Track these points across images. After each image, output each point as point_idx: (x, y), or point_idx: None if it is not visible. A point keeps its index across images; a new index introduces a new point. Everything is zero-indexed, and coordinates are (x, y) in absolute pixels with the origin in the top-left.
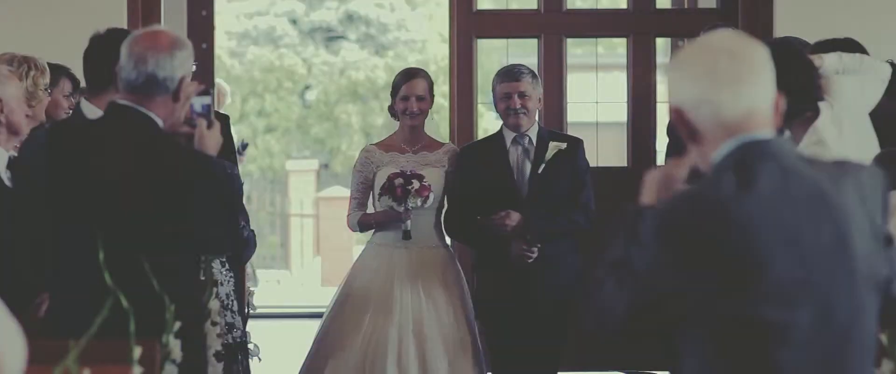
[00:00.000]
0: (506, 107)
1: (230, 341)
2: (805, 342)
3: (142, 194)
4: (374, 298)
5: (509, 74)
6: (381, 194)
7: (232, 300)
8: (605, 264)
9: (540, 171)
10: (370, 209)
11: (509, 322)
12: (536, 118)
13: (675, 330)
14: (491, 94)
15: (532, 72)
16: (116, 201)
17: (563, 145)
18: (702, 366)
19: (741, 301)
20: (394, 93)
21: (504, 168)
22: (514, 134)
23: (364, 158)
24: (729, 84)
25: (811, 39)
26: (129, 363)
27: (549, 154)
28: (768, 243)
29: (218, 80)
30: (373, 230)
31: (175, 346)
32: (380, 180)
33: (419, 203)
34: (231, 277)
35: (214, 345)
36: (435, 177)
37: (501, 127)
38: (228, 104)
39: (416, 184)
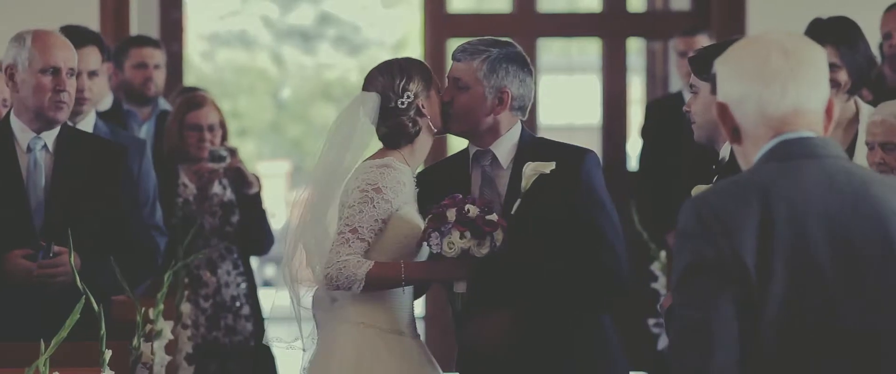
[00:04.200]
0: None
1: (227, 343)
2: (847, 340)
3: None
4: None
5: (455, 51)
6: (444, 233)
7: (242, 304)
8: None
9: (514, 210)
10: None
11: None
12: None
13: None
14: None
15: (486, 50)
16: None
17: (549, 168)
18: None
19: (785, 286)
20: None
21: None
22: (475, 148)
23: (398, 180)
24: (777, 80)
25: None
26: (100, 366)
27: (526, 184)
28: (813, 230)
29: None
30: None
31: (146, 349)
32: (408, 219)
33: (499, 242)
34: (243, 280)
35: (185, 348)
36: None
37: None
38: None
39: (494, 214)
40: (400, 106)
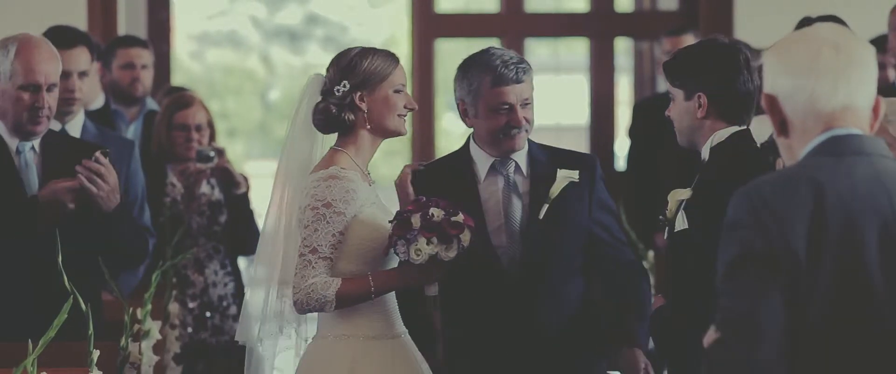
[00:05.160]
0: (506, 122)
1: (214, 343)
2: (891, 338)
3: None
4: None
5: (507, 73)
6: (410, 241)
7: (229, 304)
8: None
9: (542, 214)
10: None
11: None
12: None
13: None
14: (454, 94)
15: (527, 62)
16: None
17: (576, 175)
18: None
19: (831, 283)
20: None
21: (476, 215)
22: (494, 158)
23: (346, 189)
24: (828, 76)
25: (772, 42)
26: (87, 367)
27: (556, 190)
28: (863, 227)
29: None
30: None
31: (134, 349)
32: (370, 222)
33: (466, 243)
34: (231, 280)
35: (173, 348)
36: None
37: (468, 144)
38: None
39: (460, 215)
40: (335, 93)
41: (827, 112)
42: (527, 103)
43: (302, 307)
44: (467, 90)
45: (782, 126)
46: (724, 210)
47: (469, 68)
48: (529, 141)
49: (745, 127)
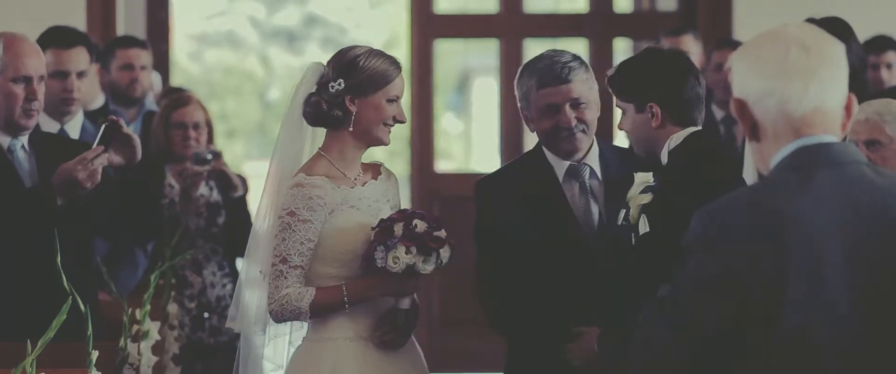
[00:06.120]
0: (555, 125)
1: (212, 344)
2: (855, 359)
3: None
4: None
5: (551, 73)
6: (390, 248)
7: (227, 305)
8: (653, 307)
9: (621, 220)
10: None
11: None
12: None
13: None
14: (451, 95)
15: (582, 62)
16: None
17: (651, 177)
18: None
19: (795, 313)
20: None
21: (566, 218)
22: (567, 163)
23: (309, 196)
24: (799, 77)
25: None
26: (86, 367)
27: (634, 194)
28: (827, 251)
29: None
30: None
31: (133, 349)
32: (342, 226)
33: (445, 260)
34: (228, 281)
35: (172, 349)
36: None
37: (540, 148)
38: None
39: (443, 231)
40: (329, 89)
41: (797, 116)
42: (579, 103)
43: (277, 317)
44: (522, 95)
45: (753, 130)
46: (685, 211)
47: (522, 73)
48: (601, 142)
49: (699, 127)
